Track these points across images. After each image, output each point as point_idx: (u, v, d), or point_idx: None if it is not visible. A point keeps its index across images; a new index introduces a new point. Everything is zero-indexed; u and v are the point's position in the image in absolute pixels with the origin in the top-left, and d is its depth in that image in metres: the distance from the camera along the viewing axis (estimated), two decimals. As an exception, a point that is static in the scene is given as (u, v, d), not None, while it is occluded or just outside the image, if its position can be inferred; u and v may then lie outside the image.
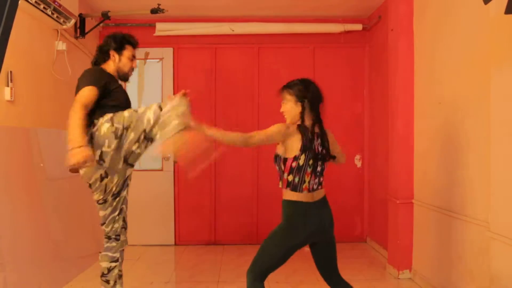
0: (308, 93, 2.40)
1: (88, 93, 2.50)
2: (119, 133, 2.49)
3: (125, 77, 2.84)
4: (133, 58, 2.83)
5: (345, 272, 2.60)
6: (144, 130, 2.48)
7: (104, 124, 2.49)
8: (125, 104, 2.74)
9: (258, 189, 5.23)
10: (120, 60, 2.77)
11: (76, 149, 2.31)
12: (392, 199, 4.08)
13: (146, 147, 2.59)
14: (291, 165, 2.33)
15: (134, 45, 2.83)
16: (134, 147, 2.53)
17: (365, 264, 4.43)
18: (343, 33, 5.16)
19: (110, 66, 2.77)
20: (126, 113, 2.52)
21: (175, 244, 5.21)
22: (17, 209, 3.10)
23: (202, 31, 5.06)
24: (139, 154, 2.63)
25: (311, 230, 2.34)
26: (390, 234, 4.13)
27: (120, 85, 2.79)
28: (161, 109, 2.46)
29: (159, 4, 4.18)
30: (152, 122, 2.46)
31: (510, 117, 2.37)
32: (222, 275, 4.12)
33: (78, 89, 2.54)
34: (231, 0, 4.58)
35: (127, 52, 2.79)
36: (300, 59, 5.23)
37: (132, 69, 2.84)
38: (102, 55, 2.77)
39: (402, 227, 3.93)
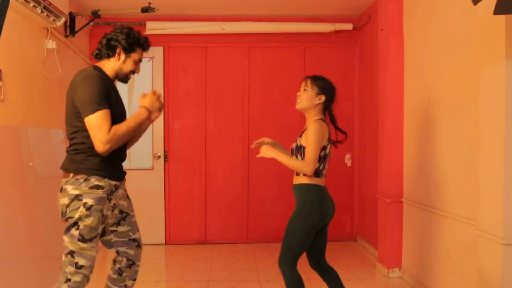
0: (330, 93, 2.66)
1: (108, 121, 2.31)
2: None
3: (124, 80, 2.55)
4: (139, 61, 2.52)
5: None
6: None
7: (80, 208, 2.45)
8: (120, 120, 2.41)
9: (249, 188, 5.24)
10: (125, 61, 2.45)
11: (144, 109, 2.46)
12: (382, 198, 4.11)
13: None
14: (319, 155, 2.52)
15: (146, 49, 2.54)
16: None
17: (354, 263, 4.46)
18: (333, 32, 5.19)
19: (110, 65, 2.46)
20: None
21: (166, 243, 5.20)
22: (7, 208, 3.07)
23: (193, 30, 5.05)
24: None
25: (327, 211, 2.56)
26: (380, 233, 4.17)
27: (117, 93, 2.50)
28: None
29: (149, 3, 4.16)
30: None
31: (498, 116, 2.39)
32: (212, 274, 4.12)
33: (85, 104, 2.27)
34: (222, -1, 4.58)
35: (136, 55, 2.48)
36: (291, 58, 5.24)
37: (133, 72, 2.53)
38: (107, 51, 2.43)
39: (391, 226, 3.96)
